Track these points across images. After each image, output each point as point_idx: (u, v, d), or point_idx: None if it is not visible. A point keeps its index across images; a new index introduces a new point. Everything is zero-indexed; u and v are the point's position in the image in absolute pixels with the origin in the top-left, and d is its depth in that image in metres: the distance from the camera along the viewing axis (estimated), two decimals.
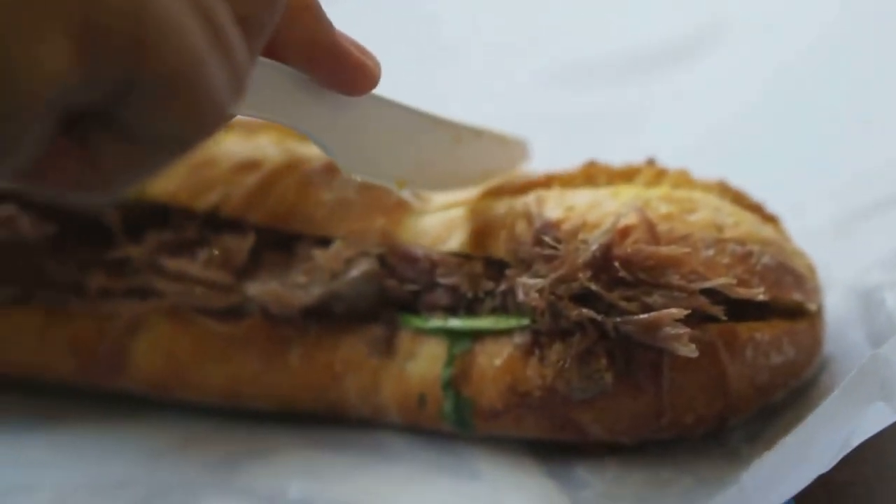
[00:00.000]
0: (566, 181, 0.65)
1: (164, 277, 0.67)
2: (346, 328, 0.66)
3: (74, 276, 0.70)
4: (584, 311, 0.57)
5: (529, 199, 0.63)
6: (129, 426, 0.69)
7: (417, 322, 0.64)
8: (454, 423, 0.63)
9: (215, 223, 0.69)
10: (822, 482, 0.53)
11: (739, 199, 0.64)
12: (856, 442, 0.52)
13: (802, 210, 0.71)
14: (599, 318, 0.57)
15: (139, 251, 0.68)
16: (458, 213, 0.66)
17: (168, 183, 0.69)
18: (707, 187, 0.64)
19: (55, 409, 0.71)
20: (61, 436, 0.69)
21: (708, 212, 0.61)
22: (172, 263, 0.67)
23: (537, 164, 0.69)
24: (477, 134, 0.66)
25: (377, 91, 0.60)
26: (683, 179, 0.64)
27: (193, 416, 0.69)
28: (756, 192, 0.65)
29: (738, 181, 0.66)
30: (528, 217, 0.62)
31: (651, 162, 0.65)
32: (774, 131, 0.84)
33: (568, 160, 0.67)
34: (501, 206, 0.64)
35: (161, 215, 0.70)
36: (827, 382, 0.61)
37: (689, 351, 0.56)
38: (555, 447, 0.62)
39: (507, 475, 0.61)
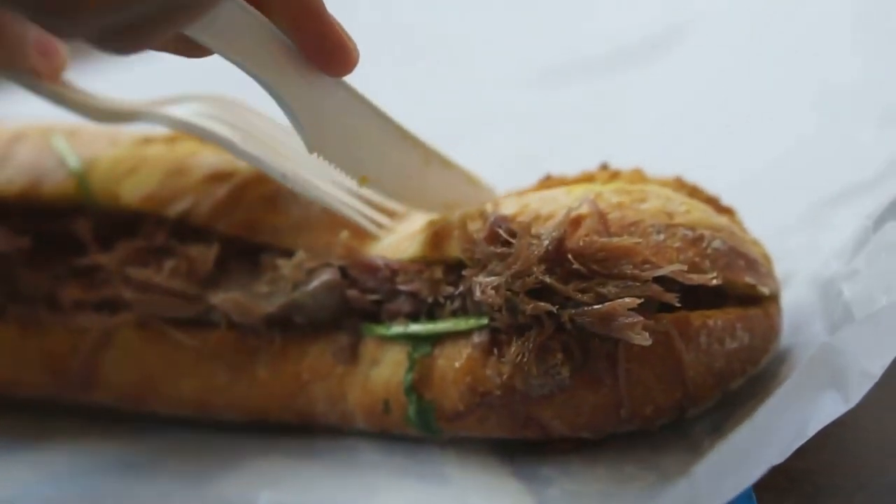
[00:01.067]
0: (524, 193, 0.65)
1: (131, 287, 0.68)
2: (311, 338, 0.66)
3: (47, 287, 0.71)
4: (540, 304, 0.58)
5: (487, 205, 0.64)
6: (105, 441, 0.70)
7: (380, 330, 0.64)
8: (419, 427, 0.63)
9: (184, 232, 0.70)
10: (782, 470, 0.53)
11: (695, 193, 0.65)
12: (811, 432, 0.52)
13: (766, 202, 0.71)
14: (555, 310, 0.58)
15: (108, 259, 0.69)
16: (418, 226, 0.66)
17: (141, 188, 0.70)
18: (663, 183, 0.65)
19: (33, 427, 0.72)
20: (39, 453, 0.69)
21: (659, 201, 0.61)
22: (139, 273, 0.68)
23: (513, 163, 0.70)
24: (447, 165, 0.66)
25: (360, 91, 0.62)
26: (638, 177, 0.65)
27: (166, 429, 0.70)
28: (721, 185, 0.66)
29: (703, 175, 0.66)
30: (482, 215, 0.63)
31: (605, 166, 0.66)
32: (739, 126, 0.85)
33: (542, 156, 0.68)
34: (457, 213, 0.65)
35: (131, 225, 0.71)
36: (787, 374, 0.61)
37: (643, 339, 0.56)
38: (521, 448, 0.62)
39: (475, 478, 0.61)
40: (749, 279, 0.61)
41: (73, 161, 0.72)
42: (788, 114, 0.85)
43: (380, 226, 0.68)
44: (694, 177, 0.66)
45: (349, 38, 0.60)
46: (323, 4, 0.59)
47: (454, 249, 0.63)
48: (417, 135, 0.65)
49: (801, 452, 0.53)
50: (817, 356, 0.54)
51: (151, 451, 0.69)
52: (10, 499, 0.66)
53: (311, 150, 0.62)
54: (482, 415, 0.61)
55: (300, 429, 0.68)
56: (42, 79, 0.68)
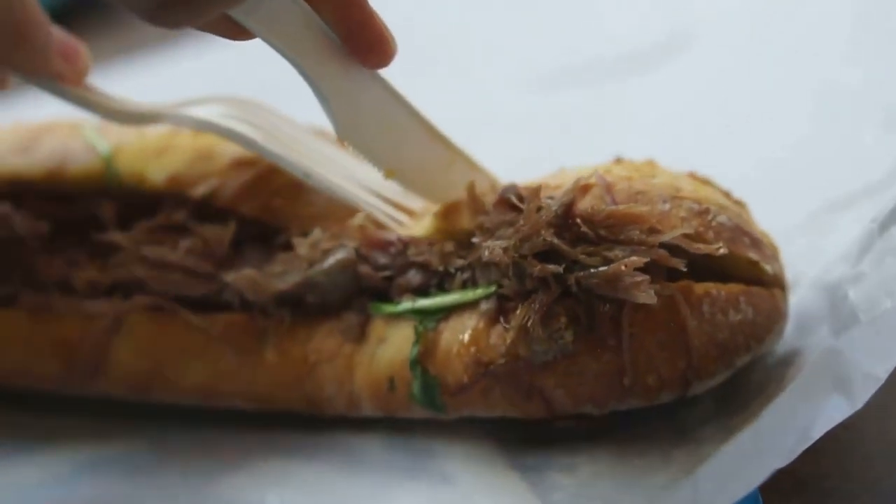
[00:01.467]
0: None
1: (145, 265, 0.69)
2: (318, 320, 0.67)
3: (62, 272, 0.72)
4: (548, 266, 0.58)
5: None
6: (111, 442, 0.70)
7: (388, 308, 0.65)
8: (424, 404, 0.63)
9: (204, 214, 0.70)
10: (788, 473, 0.53)
11: (707, 184, 0.65)
12: (815, 436, 0.52)
13: (770, 205, 0.71)
14: (561, 270, 0.58)
15: (125, 238, 0.70)
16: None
17: (167, 169, 0.72)
18: (675, 176, 0.65)
19: (39, 428, 0.73)
20: (45, 454, 0.70)
21: (668, 178, 0.63)
22: (154, 251, 0.69)
23: (514, 165, 0.71)
24: (472, 166, 0.67)
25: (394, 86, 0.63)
26: (650, 169, 0.65)
27: (173, 430, 0.70)
28: (725, 188, 0.66)
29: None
30: (493, 188, 0.64)
31: (619, 159, 0.67)
32: (742, 129, 0.86)
33: (544, 159, 0.68)
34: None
35: (152, 210, 0.72)
36: (792, 377, 0.60)
37: (648, 297, 0.57)
38: (527, 449, 0.62)
39: (480, 479, 0.62)
40: (752, 255, 0.61)
41: (101, 144, 0.74)
42: (792, 117, 0.85)
43: (400, 223, 0.68)
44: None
45: (389, 31, 0.61)
46: None
47: (465, 221, 0.64)
48: (446, 134, 0.66)
49: (807, 455, 0.53)
50: (822, 359, 0.54)
51: (157, 452, 0.69)
52: (16, 500, 0.67)
53: (340, 137, 0.63)
54: (486, 386, 0.61)
55: (306, 428, 0.68)
56: (66, 83, 0.69)
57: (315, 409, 0.67)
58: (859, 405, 0.53)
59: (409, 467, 0.64)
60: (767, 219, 0.67)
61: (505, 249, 0.60)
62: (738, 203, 0.65)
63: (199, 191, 0.71)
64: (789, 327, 0.64)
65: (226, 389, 0.69)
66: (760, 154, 0.82)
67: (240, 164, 0.71)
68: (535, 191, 0.61)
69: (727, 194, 0.65)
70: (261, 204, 0.70)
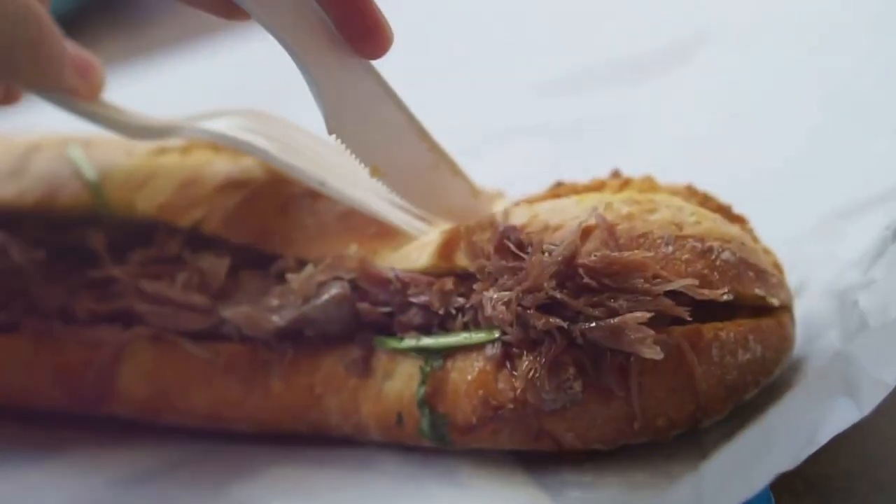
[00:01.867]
0: (534, 202, 0.65)
1: (144, 300, 0.69)
2: (323, 350, 0.66)
3: (62, 300, 0.72)
4: (551, 319, 0.58)
5: (497, 215, 0.64)
6: (117, 453, 0.71)
7: (392, 343, 0.65)
8: (433, 440, 0.64)
9: (197, 241, 0.70)
10: (799, 474, 0.53)
11: (706, 202, 0.65)
12: (822, 440, 0.52)
13: (781, 211, 0.72)
14: (566, 325, 0.58)
15: (122, 272, 0.70)
16: (432, 238, 0.66)
17: (156, 198, 0.71)
18: (673, 191, 0.65)
19: (50, 437, 0.73)
20: (52, 464, 0.71)
21: (669, 211, 0.61)
22: (152, 286, 0.69)
23: (524, 172, 0.72)
24: (455, 172, 0.67)
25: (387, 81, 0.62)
26: (649, 185, 0.65)
27: (180, 439, 0.71)
28: (736, 194, 0.66)
29: (718, 184, 0.66)
30: (492, 225, 0.63)
31: (616, 174, 0.66)
32: (753, 135, 0.85)
33: (554, 167, 0.69)
34: (466, 224, 0.65)
35: (145, 235, 0.72)
36: (801, 381, 0.61)
37: (654, 353, 0.57)
38: (537, 454, 0.62)
39: (491, 484, 0.62)
40: (759, 291, 0.61)
41: (88, 171, 0.73)
42: (803, 123, 0.85)
43: (419, 230, 0.68)
44: (709, 186, 0.66)
45: (385, 20, 0.60)
46: None
47: (463, 259, 0.63)
48: (434, 137, 0.65)
49: (818, 456, 0.54)
50: (830, 364, 0.54)
51: (164, 462, 0.70)
52: None
53: (329, 129, 0.62)
54: (495, 428, 0.61)
55: (314, 437, 0.68)
56: (80, 98, 0.69)
57: (322, 434, 0.68)
58: (867, 411, 0.53)
59: (419, 474, 0.64)
60: (778, 225, 0.66)
61: (507, 303, 0.59)
62: (739, 219, 0.65)
63: (189, 219, 0.70)
64: (798, 332, 0.64)
65: (232, 416, 0.69)
66: (771, 160, 0.82)
67: (227, 188, 0.71)
68: (538, 242, 0.60)
69: (727, 209, 0.65)
70: (250, 229, 0.69)
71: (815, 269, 0.68)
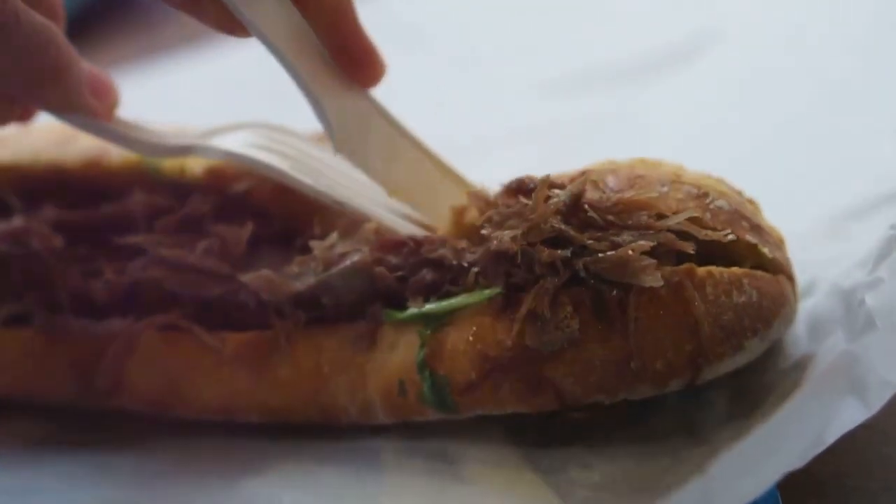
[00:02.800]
0: None
1: (163, 266, 0.70)
2: (330, 329, 0.67)
3: (79, 283, 0.72)
4: (556, 251, 0.59)
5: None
6: (127, 449, 0.71)
7: (396, 314, 0.65)
8: (436, 405, 0.63)
9: (227, 209, 0.71)
10: (808, 473, 0.53)
11: (720, 183, 0.65)
12: (829, 439, 0.53)
13: (788, 212, 0.71)
14: (569, 254, 0.58)
15: (146, 239, 0.71)
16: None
17: (205, 161, 0.72)
18: (683, 167, 0.65)
19: (58, 435, 0.74)
20: (66, 460, 0.71)
21: (671, 168, 0.63)
22: (171, 253, 0.70)
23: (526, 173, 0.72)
24: (459, 182, 0.68)
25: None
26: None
27: (189, 435, 0.71)
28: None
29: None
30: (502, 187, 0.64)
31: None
32: (760, 135, 0.86)
33: (556, 169, 0.70)
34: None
35: (178, 206, 0.72)
36: (808, 380, 0.60)
37: (655, 280, 0.57)
38: (544, 450, 0.63)
39: (498, 481, 0.62)
40: (750, 238, 0.61)
41: None
42: (810, 123, 0.85)
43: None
44: None
45: (378, 51, 0.63)
46: (355, 12, 0.62)
47: (474, 215, 0.64)
48: (433, 149, 0.67)
49: (827, 454, 0.54)
50: (837, 363, 0.54)
51: (174, 458, 0.70)
52: None
53: (336, 148, 0.64)
54: (495, 382, 0.61)
55: (323, 432, 0.68)
56: (97, 118, 0.70)
57: (331, 420, 0.68)
58: (874, 410, 0.53)
59: (424, 469, 0.64)
60: (785, 225, 0.67)
61: (513, 238, 0.60)
62: (751, 202, 0.65)
63: (240, 187, 0.72)
64: (804, 331, 0.65)
65: (241, 406, 0.69)
66: (778, 160, 0.83)
67: None
68: (544, 180, 0.61)
69: (739, 193, 0.65)
70: (293, 206, 0.70)
71: (823, 268, 0.69)
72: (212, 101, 0.79)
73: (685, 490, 0.51)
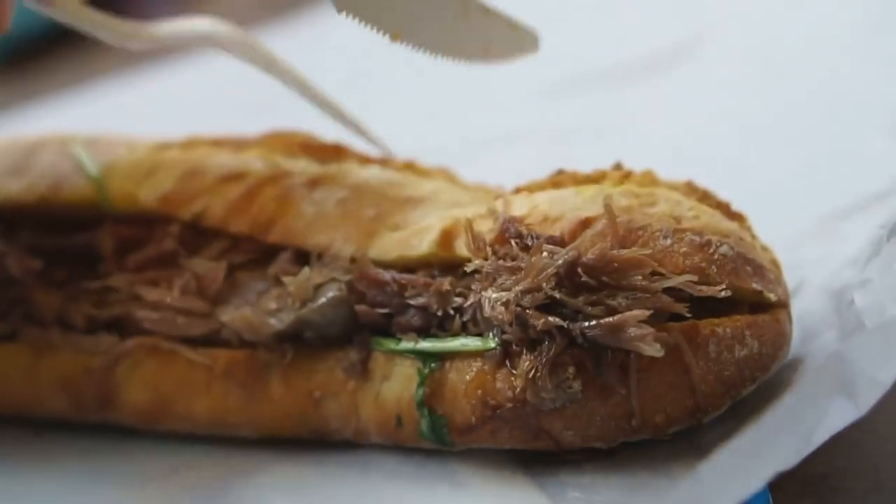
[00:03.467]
0: (534, 191, 0.66)
1: (143, 307, 0.69)
2: (321, 353, 0.66)
3: (60, 307, 0.71)
4: (551, 319, 0.58)
5: (497, 202, 0.65)
6: (120, 455, 0.71)
7: (390, 344, 0.64)
8: (433, 441, 0.63)
9: (195, 237, 0.70)
10: (797, 473, 0.53)
11: (705, 198, 0.65)
12: (820, 438, 0.53)
13: (780, 212, 0.72)
14: (566, 324, 0.58)
15: (120, 279, 0.70)
16: (430, 223, 0.66)
17: (157, 190, 0.71)
18: (673, 187, 0.65)
19: (49, 444, 0.73)
20: (57, 468, 0.71)
21: (667, 205, 0.62)
22: (150, 293, 0.69)
23: (524, 174, 0.72)
24: (486, 12, 0.64)
25: None
26: (649, 180, 0.65)
27: (182, 443, 0.71)
28: (735, 195, 0.66)
29: (717, 184, 0.66)
30: (492, 214, 0.63)
31: (618, 166, 0.66)
32: (752, 136, 0.85)
33: (550, 169, 0.68)
34: (470, 210, 0.65)
35: (145, 231, 0.72)
36: (798, 381, 0.61)
37: (655, 350, 0.57)
38: (538, 454, 0.62)
39: (490, 484, 0.62)
40: (756, 285, 0.61)
41: (91, 166, 0.73)
42: (801, 123, 0.85)
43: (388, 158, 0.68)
44: (708, 186, 0.66)
45: None
46: None
47: (462, 250, 0.63)
48: None
49: (818, 454, 0.54)
50: (827, 364, 0.54)
51: (166, 466, 0.70)
52: None
53: (337, 7, 0.61)
54: (494, 427, 0.61)
55: (315, 440, 0.68)
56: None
57: (323, 438, 0.68)
58: (864, 410, 0.53)
59: (418, 475, 0.64)
60: (777, 225, 0.67)
61: (506, 304, 0.59)
62: (737, 216, 0.65)
63: (190, 212, 0.71)
64: (795, 332, 0.64)
65: (232, 422, 0.69)
66: (770, 160, 0.82)
67: (227, 180, 0.71)
68: (538, 246, 0.60)
69: (726, 206, 0.65)
70: (251, 220, 0.69)
71: (812, 268, 0.68)
72: (191, 112, 0.78)
73: (676, 491, 0.51)
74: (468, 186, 0.72)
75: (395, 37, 0.63)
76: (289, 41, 1.01)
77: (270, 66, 0.69)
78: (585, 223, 0.61)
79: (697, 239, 0.60)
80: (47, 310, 0.72)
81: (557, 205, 0.63)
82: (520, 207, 0.64)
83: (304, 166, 0.72)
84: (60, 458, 0.72)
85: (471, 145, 0.72)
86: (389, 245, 0.67)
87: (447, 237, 0.65)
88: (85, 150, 0.75)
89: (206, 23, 0.69)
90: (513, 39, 0.67)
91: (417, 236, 0.66)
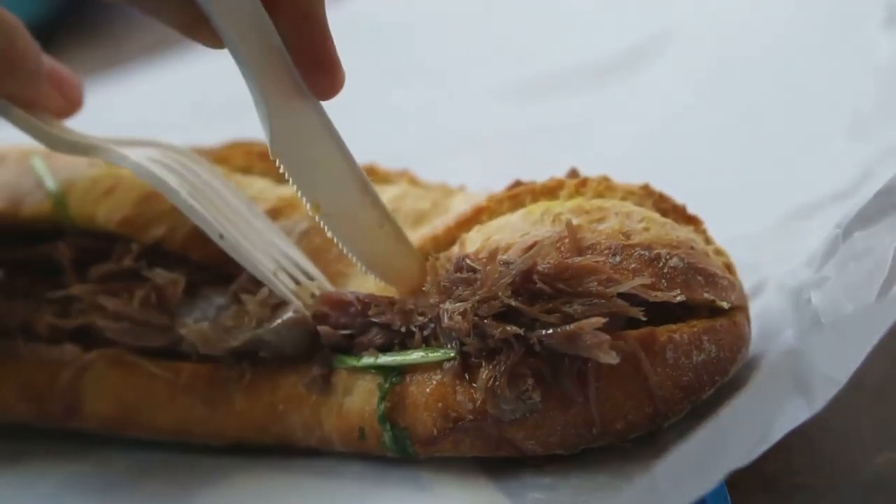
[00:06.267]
0: (494, 210, 0.65)
1: (104, 316, 0.69)
2: (282, 369, 0.66)
3: (24, 316, 0.71)
4: (508, 327, 0.58)
5: (454, 247, 0.64)
6: (86, 461, 0.71)
7: (351, 361, 0.64)
8: (396, 453, 0.63)
9: (156, 253, 0.70)
10: (757, 470, 0.53)
11: (661, 201, 0.64)
12: (775, 436, 0.52)
13: (740, 211, 0.72)
14: (522, 332, 0.57)
15: (82, 290, 0.70)
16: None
17: (117, 211, 0.71)
18: (629, 191, 0.64)
19: (14, 448, 0.73)
20: (20, 474, 0.71)
21: (617, 220, 0.61)
22: (111, 303, 0.68)
23: (485, 177, 0.72)
24: (399, 236, 0.65)
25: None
26: (605, 186, 0.64)
27: (148, 449, 0.70)
28: (696, 195, 0.66)
29: (678, 186, 0.66)
30: (448, 259, 0.63)
31: (574, 172, 0.66)
32: (713, 136, 0.86)
33: (514, 172, 0.68)
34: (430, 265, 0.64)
35: (107, 242, 0.71)
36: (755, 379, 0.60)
37: (611, 358, 0.56)
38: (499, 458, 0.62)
39: (453, 487, 0.62)
40: (708, 295, 0.60)
41: (50, 182, 0.73)
42: (760, 124, 0.85)
43: (302, 297, 0.66)
44: (668, 187, 0.66)
45: (341, 64, 0.60)
46: (325, 18, 0.59)
47: (430, 289, 0.63)
48: (379, 195, 0.64)
49: (776, 451, 0.54)
50: (782, 362, 0.54)
51: (133, 472, 0.69)
52: None
53: (272, 148, 0.60)
54: (456, 438, 0.61)
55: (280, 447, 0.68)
56: (56, 114, 0.69)
57: (287, 445, 0.67)
58: (818, 408, 0.53)
59: (382, 478, 0.64)
60: (737, 224, 0.66)
61: (463, 314, 0.59)
62: (693, 220, 0.64)
63: (150, 236, 0.70)
64: (755, 330, 0.64)
65: (196, 432, 0.68)
66: (730, 160, 0.82)
67: None
68: (492, 252, 0.60)
69: (682, 209, 0.64)
70: (210, 252, 0.67)
71: (773, 267, 0.68)
72: (178, 111, 0.78)
73: (632, 490, 0.51)
74: (430, 187, 0.72)
75: (315, 208, 0.63)
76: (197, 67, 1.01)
77: (205, 192, 0.67)
78: (538, 244, 0.60)
79: (646, 254, 0.60)
80: (11, 319, 0.72)
81: (507, 232, 0.63)
82: (473, 244, 0.63)
83: (262, 188, 0.71)
84: (23, 462, 0.72)
85: (434, 149, 0.72)
86: (361, 285, 0.66)
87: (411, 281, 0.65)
88: (44, 163, 0.74)
89: (148, 155, 0.68)
90: (413, 273, 0.66)
91: (381, 287, 0.65)
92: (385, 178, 0.72)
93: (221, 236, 0.65)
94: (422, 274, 0.64)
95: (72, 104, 0.69)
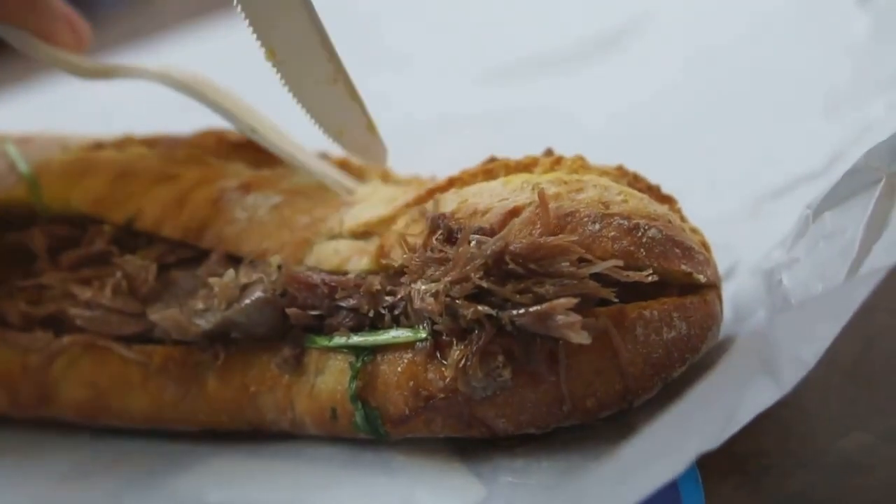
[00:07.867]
0: (467, 181, 0.65)
1: (77, 305, 0.69)
2: (255, 350, 0.66)
3: None
4: (480, 308, 0.57)
5: (428, 205, 0.64)
6: (58, 448, 0.71)
7: (323, 341, 0.64)
8: (368, 433, 0.63)
9: (129, 236, 0.70)
10: (728, 452, 0.53)
11: (636, 181, 0.64)
12: (744, 418, 0.52)
13: (714, 193, 0.72)
14: (495, 312, 0.57)
15: (53, 277, 0.70)
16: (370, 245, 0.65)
17: (90, 193, 0.71)
18: (604, 171, 0.64)
19: None
20: None
21: (596, 191, 0.61)
22: (83, 292, 0.68)
23: (462, 160, 0.71)
24: (353, 96, 0.67)
25: None
26: (580, 164, 0.64)
27: (121, 436, 0.70)
28: (671, 177, 0.66)
29: (654, 167, 0.66)
30: (422, 214, 0.63)
31: (549, 152, 0.66)
32: (688, 120, 0.86)
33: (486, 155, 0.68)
34: (404, 220, 0.64)
35: (79, 228, 0.71)
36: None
37: (582, 338, 0.56)
38: (471, 440, 0.62)
39: (424, 471, 0.62)
40: (685, 267, 0.60)
41: (23, 166, 0.73)
42: (734, 106, 0.85)
43: (348, 191, 0.68)
44: (643, 169, 0.66)
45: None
46: None
47: (398, 257, 0.63)
48: (340, 57, 0.65)
49: (744, 434, 0.53)
50: (749, 343, 0.53)
51: (105, 458, 0.69)
52: None
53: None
54: (427, 417, 0.61)
55: (252, 431, 0.68)
56: (68, 49, 0.72)
57: (260, 429, 0.67)
58: (787, 389, 0.52)
59: (353, 462, 0.64)
60: (710, 206, 0.66)
61: (435, 295, 0.59)
62: (668, 199, 0.64)
63: (122, 215, 0.70)
64: (729, 312, 0.64)
65: (169, 417, 0.68)
66: (704, 141, 0.82)
67: (159, 183, 0.70)
68: (465, 237, 0.59)
69: (656, 189, 0.64)
70: (183, 225, 0.68)
71: (746, 249, 0.68)
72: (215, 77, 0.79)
73: (601, 472, 0.50)
74: (402, 180, 0.71)
75: (270, 54, 0.64)
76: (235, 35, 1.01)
77: (219, 107, 0.70)
78: (514, 212, 0.60)
79: (626, 223, 0.60)
80: None
81: (486, 197, 0.62)
82: (449, 204, 0.63)
83: (236, 170, 0.71)
84: (2, 453, 0.71)
85: (410, 132, 0.72)
86: (326, 255, 0.66)
87: (382, 251, 0.64)
88: (18, 149, 0.74)
89: (161, 66, 0.71)
90: (365, 140, 0.69)
91: (358, 255, 0.65)
92: (358, 171, 0.72)
93: (254, 129, 0.67)
94: (374, 144, 0.66)
95: (82, 40, 0.73)
